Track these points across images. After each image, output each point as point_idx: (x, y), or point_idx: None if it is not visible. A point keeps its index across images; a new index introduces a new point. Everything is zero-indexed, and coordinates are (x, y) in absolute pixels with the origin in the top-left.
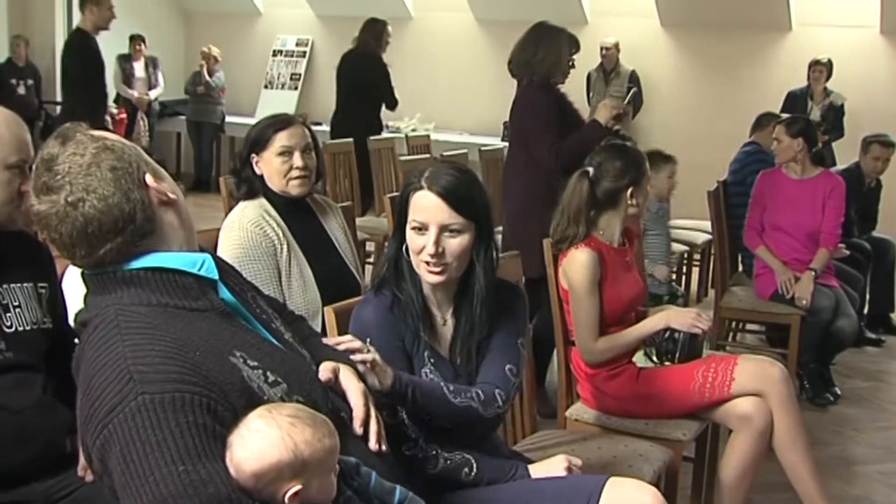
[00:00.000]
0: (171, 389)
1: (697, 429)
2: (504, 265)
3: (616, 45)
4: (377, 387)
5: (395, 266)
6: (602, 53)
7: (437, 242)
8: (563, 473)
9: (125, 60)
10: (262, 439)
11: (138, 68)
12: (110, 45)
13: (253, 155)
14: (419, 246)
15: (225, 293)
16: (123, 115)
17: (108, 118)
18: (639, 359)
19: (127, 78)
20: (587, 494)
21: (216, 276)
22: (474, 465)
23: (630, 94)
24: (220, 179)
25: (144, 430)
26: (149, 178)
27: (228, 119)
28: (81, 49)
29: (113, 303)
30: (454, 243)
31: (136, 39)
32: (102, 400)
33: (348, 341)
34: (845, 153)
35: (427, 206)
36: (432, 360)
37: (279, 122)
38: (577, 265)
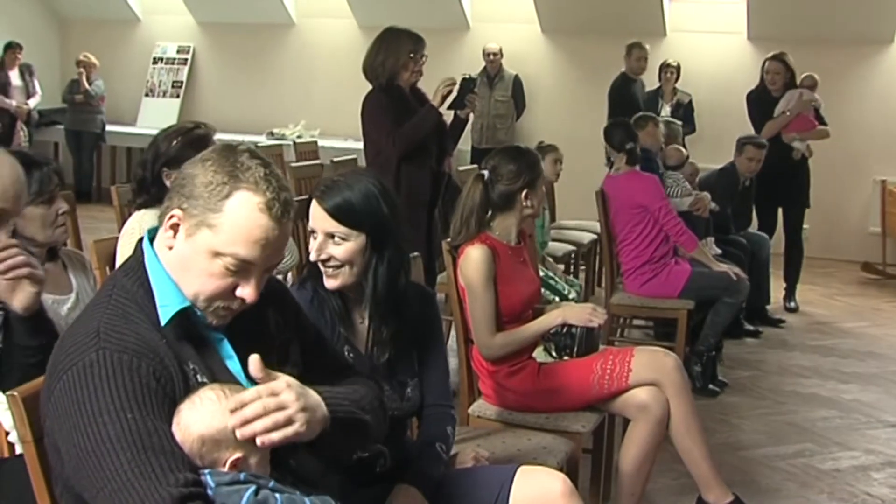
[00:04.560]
0: (130, 354)
1: (596, 420)
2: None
3: (500, 51)
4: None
5: (316, 266)
6: (487, 59)
7: (321, 249)
8: (471, 465)
9: None
10: (213, 405)
11: (14, 77)
12: None
13: (165, 169)
14: (312, 249)
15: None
16: None
17: None
18: (539, 354)
19: (2, 87)
20: (499, 483)
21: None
22: (388, 457)
23: (461, 81)
24: (112, 189)
25: (99, 378)
26: None
27: (109, 128)
28: None
29: (123, 275)
30: (339, 250)
31: (12, 48)
32: (68, 350)
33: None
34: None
35: (314, 215)
36: (351, 356)
37: (195, 143)
38: (471, 262)
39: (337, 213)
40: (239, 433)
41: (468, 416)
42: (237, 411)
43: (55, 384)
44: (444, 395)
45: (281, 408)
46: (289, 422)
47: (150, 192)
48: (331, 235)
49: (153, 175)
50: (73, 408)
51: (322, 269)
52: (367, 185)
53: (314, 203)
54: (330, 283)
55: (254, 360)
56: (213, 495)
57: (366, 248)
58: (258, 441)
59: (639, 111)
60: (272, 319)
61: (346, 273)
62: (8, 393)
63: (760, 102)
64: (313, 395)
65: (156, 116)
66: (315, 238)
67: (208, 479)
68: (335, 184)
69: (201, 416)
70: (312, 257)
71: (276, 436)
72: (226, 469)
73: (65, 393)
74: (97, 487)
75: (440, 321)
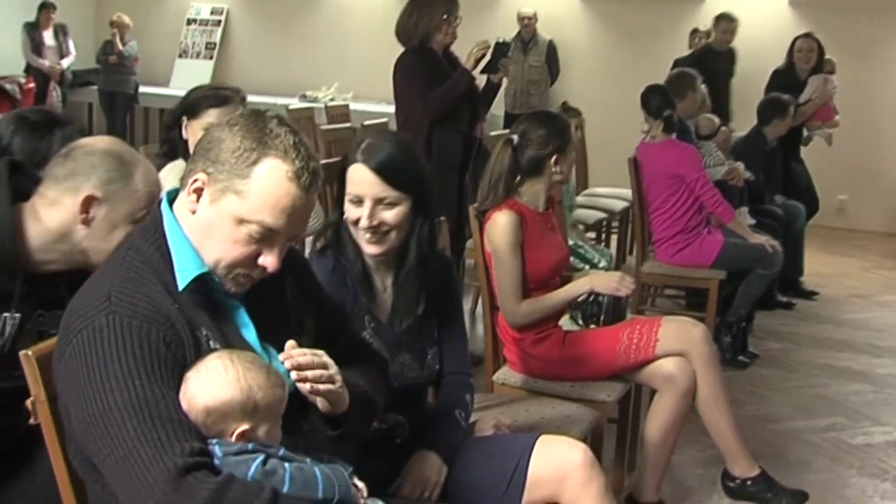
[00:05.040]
0: (140, 319)
1: (621, 390)
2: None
3: (535, 15)
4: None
5: (337, 233)
6: (521, 23)
7: (372, 215)
8: (490, 433)
9: (33, 29)
10: (219, 376)
11: (48, 37)
12: (17, 14)
13: (184, 118)
14: (355, 217)
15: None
16: (32, 85)
17: (16, 87)
18: (565, 322)
19: (36, 47)
20: (519, 452)
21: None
22: (406, 427)
23: (495, 45)
24: (142, 149)
25: (109, 343)
26: None
27: (142, 89)
28: None
29: (139, 237)
30: (390, 215)
31: (46, 7)
32: (79, 313)
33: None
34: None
35: (361, 180)
36: (372, 325)
37: (216, 99)
38: (498, 227)
39: (386, 175)
40: (294, 375)
41: (492, 383)
42: (290, 360)
43: (65, 348)
44: (464, 362)
45: (324, 367)
46: (331, 380)
47: (170, 141)
48: (380, 200)
49: (173, 121)
50: (81, 372)
51: (364, 235)
52: (405, 144)
53: (359, 168)
54: (373, 250)
55: (291, 343)
56: (220, 465)
57: (410, 211)
58: (306, 387)
59: (721, 85)
60: (290, 289)
61: (392, 238)
62: (22, 352)
63: (786, 82)
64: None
65: (189, 78)
66: (358, 206)
67: (216, 449)
68: (377, 145)
69: (206, 387)
70: (363, 224)
71: (322, 388)
72: (233, 440)
73: (74, 357)
74: (104, 454)
75: (459, 288)
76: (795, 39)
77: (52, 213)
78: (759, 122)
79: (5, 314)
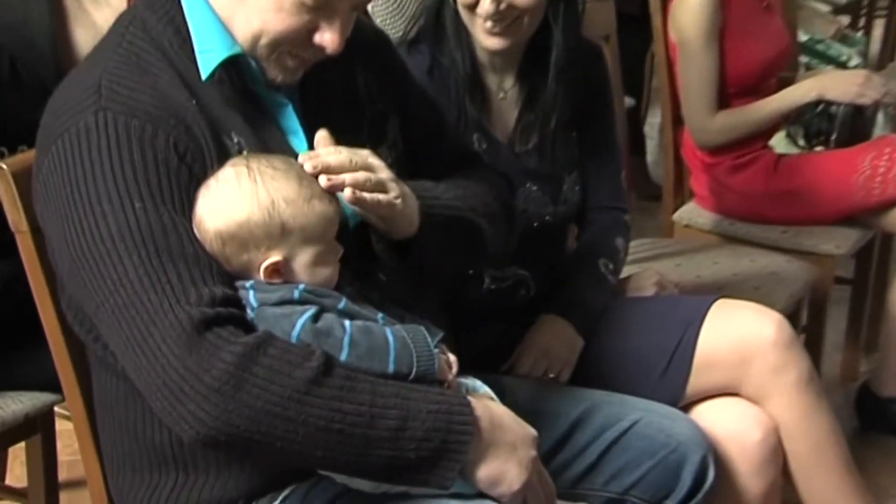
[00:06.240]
0: (143, 119)
1: (858, 240)
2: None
3: None
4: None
5: (437, 17)
6: None
7: None
8: (650, 293)
9: None
10: (231, 190)
11: None
12: None
13: None
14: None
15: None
16: None
17: None
18: (778, 142)
19: None
20: (684, 323)
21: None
22: (532, 284)
23: None
24: None
25: (98, 151)
26: None
27: None
28: None
29: (146, 8)
30: None
31: None
32: (59, 112)
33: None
34: None
35: None
36: (484, 146)
37: None
38: (688, 7)
39: None
40: (323, 181)
41: (672, 223)
42: (312, 160)
43: (42, 160)
44: (616, 193)
45: (369, 169)
46: (381, 186)
47: None
48: None
49: None
50: (62, 192)
51: (483, 24)
52: None
53: None
54: (496, 43)
55: (321, 136)
56: (253, 318)
57: None
58: (346, 194)
59: None
60: (362, 82)
61: (523, 26)
62: None
63: None
64: (406, 187)
65: None
66: None
67: (250, 297)
68: None
69: (216, 204)
70: (486, 7)
71: (368, 196)
72: (261, 277)
73: (52, 172)
74: (96, 301)
75: (611, 90)
76: None
77: (104, 11)
78: None
79: None
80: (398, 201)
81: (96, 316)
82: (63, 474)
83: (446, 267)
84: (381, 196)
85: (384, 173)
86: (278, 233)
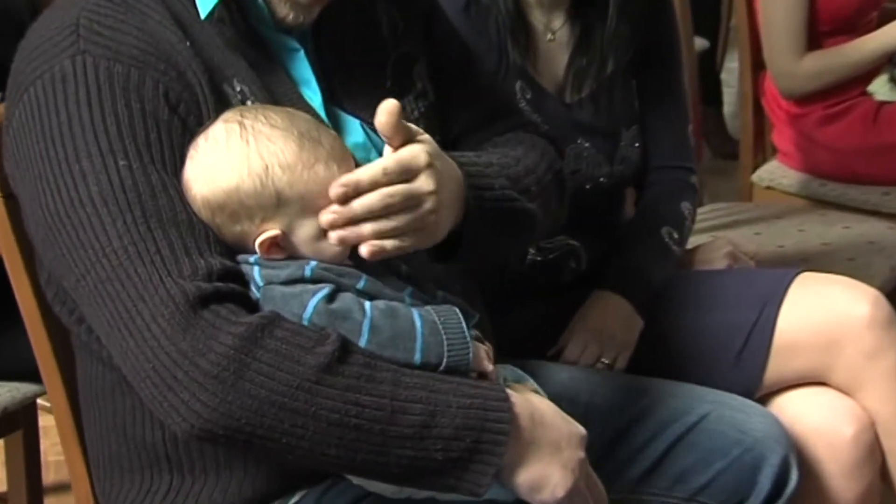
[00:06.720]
0: (127, 63)
1: None
2: None
3: None
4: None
5: None
6: None
7: None
8: (722, 265)
9: None
10: (218, 151)
11: None
12: None
13: None
14: None
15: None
16: None
17: None
18: (879, 88)
19: None
20: (761, 299)
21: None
22: (583, 255)
23: None
24: None
25: (76, 100)
26: None
27: None
28: None
29: None
30: None
31: None
32: (31, 56)
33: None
34: None
35: None
36: (528, 96)
37: None
38: None
39: None
40: (333, 237)
41: (751, 184)
42: (339, 193)
43: (13, 110)
44: (682, 150)
45: (412, 198)
46: (415, 200)
47: None
48: None
49: None
50: (36, 148)
51: None
52: None
53: None
54: None
55: (388, 108)
56: (259, 298)
57: None
58: (363, 251)
59: None
60: (386, 20)
61: None
62: None
63: None
64: (450, 166)
65: None
66: None
67: (254, 273)
68: None
69: (202, 168)
70: None
71: (389, 244)
72: (258, 252)
73: (24, 124)
74: (76, 275)
75: (676, 29)
76: None
77: None
78: None
79: None
80: (432, 217)
81: (76, 292)
82: (49, 476)
83: (490, 257)
84: (404, 242)
85: (423, 180)
86: (273, 203)
